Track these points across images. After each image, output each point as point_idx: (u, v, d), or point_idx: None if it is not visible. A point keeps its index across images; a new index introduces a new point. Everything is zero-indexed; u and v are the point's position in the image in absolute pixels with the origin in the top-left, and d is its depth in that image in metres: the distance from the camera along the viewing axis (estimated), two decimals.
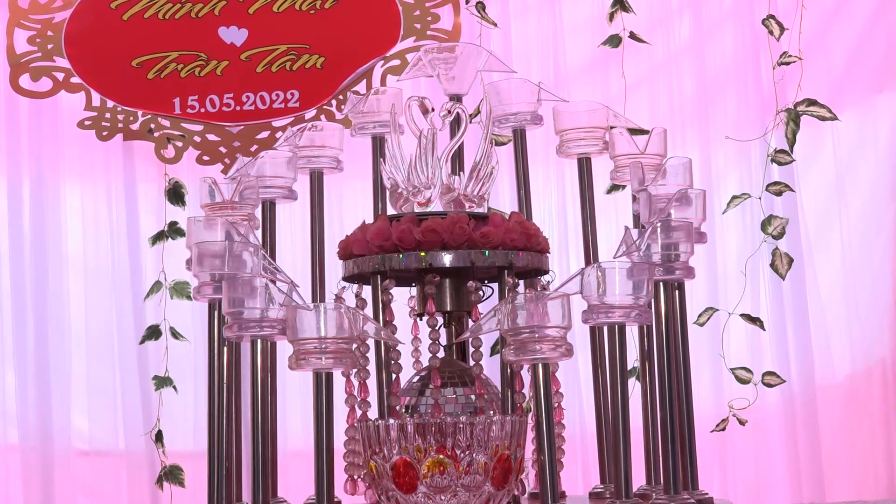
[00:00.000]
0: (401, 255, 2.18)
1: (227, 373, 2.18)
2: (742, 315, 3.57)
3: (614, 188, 3.19)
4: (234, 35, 3.57)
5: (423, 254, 2.17)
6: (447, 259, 2.18)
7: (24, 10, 3.57)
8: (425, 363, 2.22)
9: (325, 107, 3.53)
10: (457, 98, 2.46)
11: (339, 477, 2.09)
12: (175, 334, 3.58)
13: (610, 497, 2.07)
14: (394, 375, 2.19)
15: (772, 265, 3.60)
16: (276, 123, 3.52)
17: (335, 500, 2.22)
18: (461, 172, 2.35)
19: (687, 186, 2.22)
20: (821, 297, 3.73)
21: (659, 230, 2.10)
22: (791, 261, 3.59)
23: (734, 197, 3.61)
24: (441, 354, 2.23)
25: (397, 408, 2.18)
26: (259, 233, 2.34)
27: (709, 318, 3.56)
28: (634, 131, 2.45)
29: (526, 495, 2.27)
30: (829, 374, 3.72)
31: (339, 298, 2.25)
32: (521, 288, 2.25)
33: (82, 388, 3.65)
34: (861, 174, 3.78)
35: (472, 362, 2.20)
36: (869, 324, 3.74)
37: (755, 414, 3.56)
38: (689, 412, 2.17)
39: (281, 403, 2.52)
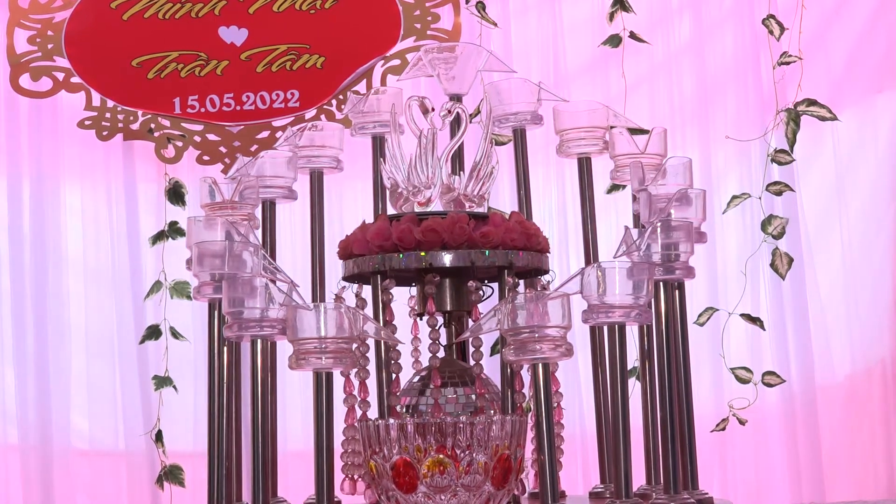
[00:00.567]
0: (401, 255, 2.18)
1: (227, 373, 2.18)
2: (742, 315, 3.57)
3: (614, 188, 3.19)
4: (234, 35, 3.56)
5: (423, 253, 2.17)
6: (447, 259, 2.18)
7: (24, 10, 3.57)
8: (425, 363, 2.22)
9: (325, 107, 3.53)
10: (457, 98, 2.46)
11: (339, 477, 2.09)
12: (175, 334, 3.58)
13: (610, 497, 2.07)
14: (394, 375, 2.19)
15: (772, 265, 3.60)
16: (276, 123, 3.52)
17: (335, 500, 2.22)
18: (461, 172, 2.35)
19: (687, 186, 2.22)
20: (821, 297, 3.73)
21: (659, 230, 2.10)
22: (791, 261, 3.59)
23: (734, 197, 3.61)
24: (441, 354, 2.23)
25: (397, 408, 2.18)
26: (259, 233, 2.33)
27: (709, 318, 3.56)
28: (634, 131, 2.44)
29: (526, 495, 2.27)
30: (829, 374, 3.72)
31: (339, 298, 2.25)
32: (521, 288, 2.25)
33: (82, 387, 3.64)
34: (861, 174, 3.78)
35: (472, 362, 2.20)
36: (869, 324, 3.74)
37: (755, 414, 3.56)
38: (689, 412, 2.17)
39: (281, 403, 2.52)
